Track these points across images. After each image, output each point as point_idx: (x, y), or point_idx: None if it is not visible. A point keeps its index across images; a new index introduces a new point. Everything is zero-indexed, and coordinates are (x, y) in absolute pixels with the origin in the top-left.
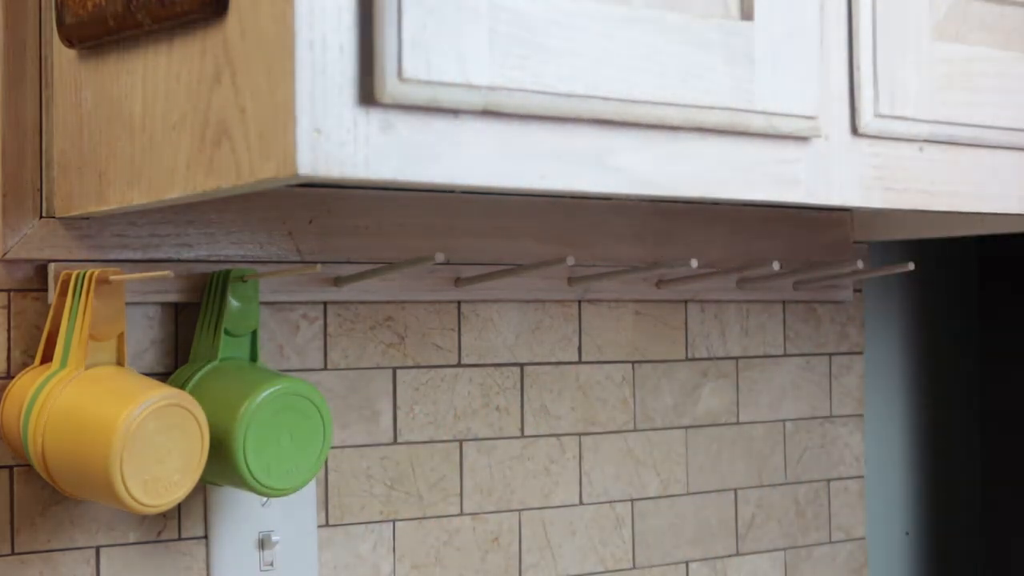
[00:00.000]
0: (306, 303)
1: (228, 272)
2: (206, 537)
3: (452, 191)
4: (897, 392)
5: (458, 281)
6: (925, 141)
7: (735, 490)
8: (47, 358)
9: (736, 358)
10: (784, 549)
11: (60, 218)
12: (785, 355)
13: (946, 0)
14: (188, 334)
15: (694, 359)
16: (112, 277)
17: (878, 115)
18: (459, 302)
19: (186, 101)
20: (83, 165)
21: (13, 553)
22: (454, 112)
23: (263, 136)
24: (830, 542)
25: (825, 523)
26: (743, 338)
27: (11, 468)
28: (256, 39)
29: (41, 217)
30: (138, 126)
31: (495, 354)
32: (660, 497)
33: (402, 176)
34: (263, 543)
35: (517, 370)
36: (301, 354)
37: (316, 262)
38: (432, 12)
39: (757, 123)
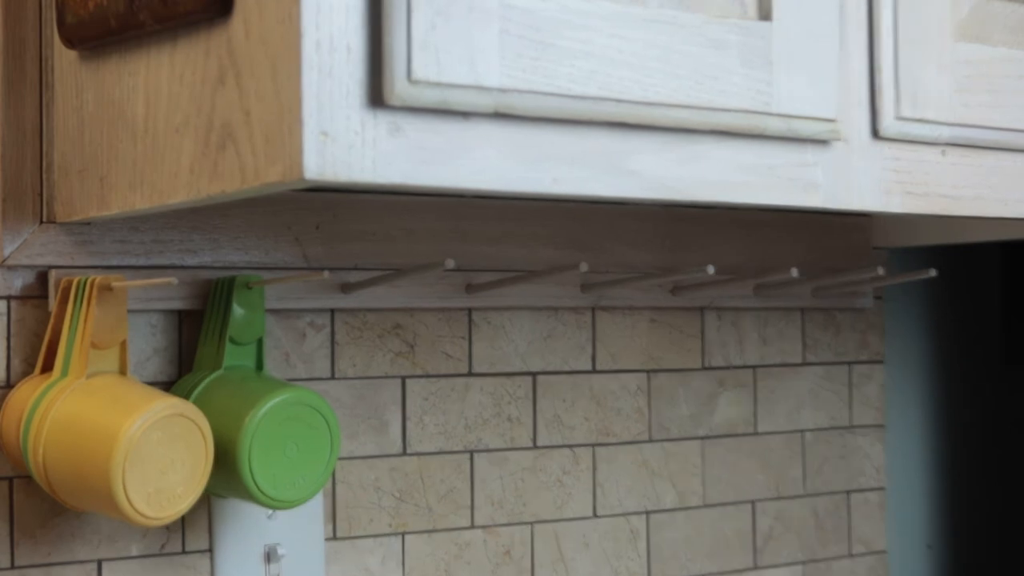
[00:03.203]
0: (313, 310)
1: (233, 279)
2: (211, 550)
3: (462, 195)
4: (919, 402)
5: (469, 288)
6: (947, 144)
7: (753, 502)
8: (47, 367)
9: (754, 367)
10: (803, 563)
11: (61, 223)
12: (804, 364)
13: (968, 1)
14: (192, 342)
15: (711, 368)
16: (114, 284)
17: (899, 118)
18: (470, 309)
19: (189, 103)
20: (84, 169)
21: (13, 567)
22: (464, 114)
23: (269, 139)
24: (850, 555)
25: (845, 536)
26: (761, 346)
27: (11, 479)
28: (261, 40)
29: (41, 222)
30: (140, 129)
31: (507, 363)
32: (676, 509)
33: (411, 180)
34: (269, 556)
35: (529, 379)
36: (308, 363)
37: (323, 268)
38: (442, 12)
39: (775, 126)
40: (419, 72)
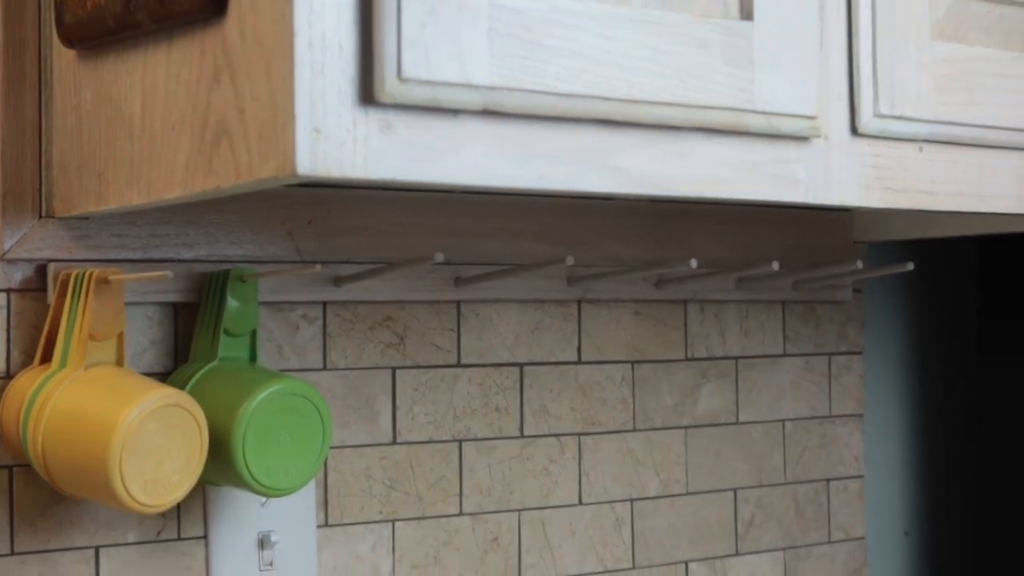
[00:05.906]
0: (305, 303)
1: (227, 272)
2: (205, 537)
3: (452, 191)
4: (896, 392)
5: (458, 281)
6: (924, 141)
7: (734, 490)
8: (46, 358)
9: (735, 358)
10: (783, 549)
11: (59, 218)
12: (784, 355)
13: (945, 1)
14: (187, 334)
15: (693, 359)
16: (111, 277)
17: (878, 115)
18: (458, 302)
19: (185, 101)
20: (82, 165)
21: (12, 553)
22: (454, 112)
23: (262, 136)
24: (829, 542)
25: (824, 523)
26: (742, 338)
27: (10, 468)
28: (255, 39)
29: (40, 217)
30: (137, 126)
31: (494, 354)
32: (660, 497)
33: (401, 176)
34: (263, 543)
35: (516, 370)
36: (300, 354)
37: (315, 262)
38: (432, 11)
39: (757, 123)
40: (409, 70)
